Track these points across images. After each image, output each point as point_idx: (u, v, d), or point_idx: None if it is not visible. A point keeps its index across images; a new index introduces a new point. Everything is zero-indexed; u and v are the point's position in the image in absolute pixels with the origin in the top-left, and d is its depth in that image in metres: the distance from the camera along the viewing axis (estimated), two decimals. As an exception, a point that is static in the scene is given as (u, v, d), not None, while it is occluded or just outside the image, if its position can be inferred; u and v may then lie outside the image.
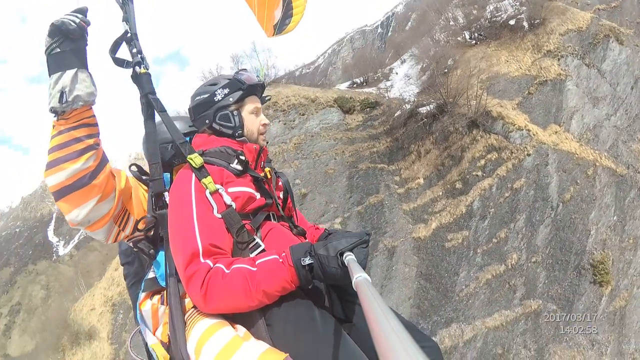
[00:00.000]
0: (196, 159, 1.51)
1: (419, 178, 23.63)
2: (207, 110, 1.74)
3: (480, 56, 27.78)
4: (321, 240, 1.90)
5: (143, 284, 1.71)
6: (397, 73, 32.99)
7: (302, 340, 1.25)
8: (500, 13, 31.18)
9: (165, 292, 1.59)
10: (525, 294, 17.99)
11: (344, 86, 36.28)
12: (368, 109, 28.14)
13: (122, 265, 2.06)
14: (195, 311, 1.42)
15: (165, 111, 1.65)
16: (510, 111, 23.26)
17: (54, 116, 1.52)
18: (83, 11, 1.53)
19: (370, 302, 0.71)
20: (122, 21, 1.67)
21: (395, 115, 26.61)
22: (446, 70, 26.29)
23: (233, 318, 1.38)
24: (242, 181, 1.62)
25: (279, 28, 3.62)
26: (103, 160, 1.61)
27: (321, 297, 1.49)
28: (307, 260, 1.30)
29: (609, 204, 20.40)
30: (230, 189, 1.54)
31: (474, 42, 29.98)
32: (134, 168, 1.91)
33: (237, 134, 1.74)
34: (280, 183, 1.91)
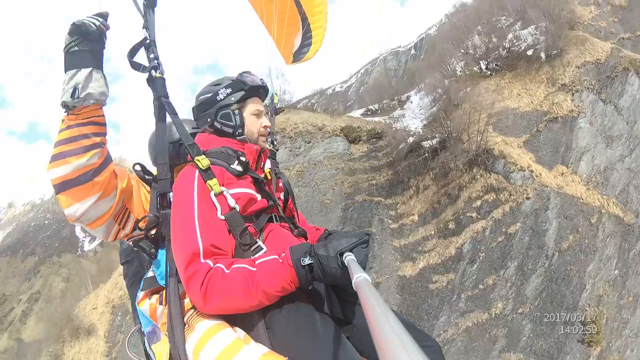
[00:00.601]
0: (203, 161, 1.53)
1: (413, 214, 23.47)
2: (209, 109, 1.78)
3: (492, 88, 27.13)
4: (321, 240, 1.90)
5: (142, 282, 1.73)
6: (412, 102, 32.75)
7: (302, 344, 1.25)
8: (519, 42, 30.19)
9: (164, 291, 1.60)
10: (506, 346, 17.48)
11: (358, 113, 36.43)
12: (374, 140, 28.21)
13: (122, 264, 2.05)
14: (194, 312, 1.43)
15: (177, 114, 1.69)
16: (514, 149, 22.60)
17: (65, 111, 1.56)
18: (104, 15, 1.61)
19: (370, 302, 0.71)
20: (143, 28, 1.73)
21: (400, 147, 26.52)
22: (456, 103, 25.88)
23: (233, 320, 1.38)
24: (243, 182, 1.64)
25: (298, 56, 3.70)
26: (107, 159, 1.64)
27: (321, 298, 1.49)
28: (307, 261, 1.30)
29: (611, 256, 19.33)
30: (231, 190, 1.55)
31: (489, 72, 29.22)
32: (137, 167, 1.91)
33: (237, 133, 1.77)
34: (280, 184, 1.94)
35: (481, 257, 20.00)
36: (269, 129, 1.92)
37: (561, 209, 20.29)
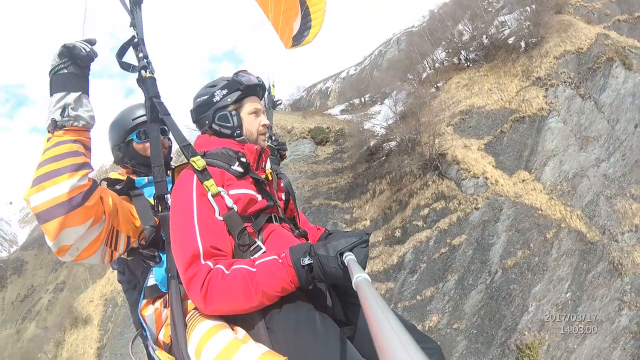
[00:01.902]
0: (198, 162, 1.52)
1: (366, 219, 22.53)
2: (206, 112, 1.77)
3: (464, 83, 25.18)
4: (321, 240, 1.91)
5: (143, 292, 1.75)
6: (391, 97, 31.24)
7: (302, 344, 1.25)
8: (504, 29, 27.68)
9: (167, 295, 1.61)
10: (434, 367, 16.72)
11: (338, 109, 35.15)
12: (340, 141, 27.21)
13: (114, 269, 2.04)
14: (196, 313, 1.44)
15: (169, 114, 1.69)
16: (472, 153, 20.98)
17: (51, 131, 1.49)
18: (92, 42, 1.59)
19: (371, 302, 0.71)
20: (130, 27, 1.69)
21: (363, 149, 25.43)
22: (425, 100, 24.30)
23: (233, 320, 1.39)
24: (243, 183, 1.64)
25: (297, 40, 3.68)
26: (95, 183, 1.59)
27: (322, 299, 1.50)
28: (307, 261, 1.30)
29: (564, 277, 17.58)
30: (232, 191, 1.55)
31: (467, 64, 27.07)
32: (104, 183, 1.85)
33: (235, 134, 1.76)
34: (282, 184, 1.94)
35: (422, 268, 18.99)
36: (268, 127, 1.90)
37: (514, 221, 18.73)
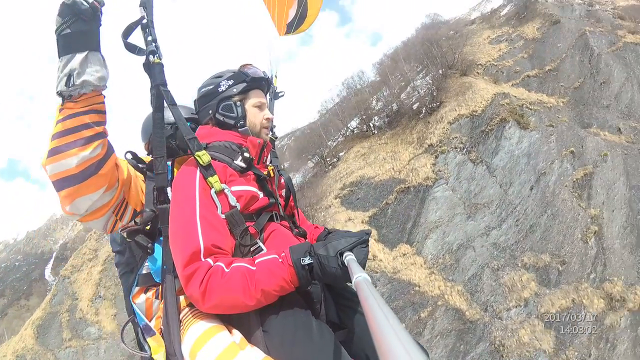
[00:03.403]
0: (204, 157, 1.49)
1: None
2: (210, 101, 1.76)
3: (363, 152, 25.28)
4: (320, 239, 1.90)
5: (137, 278, 1.72)
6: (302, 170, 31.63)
7: (298, 349, 1.24)
8: (414, 94, 27.94)
9: (160, 287, 1.58)
10: None
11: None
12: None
13: (114, 252, 2.00)
14: (191, 310, 1.42)
15: (176, 104, 1.60)
16: (354, 227, 20.54)
17: (61, 100, 1.43)
18: None
19: (371, 302, 0.71)
20: (140, 6, 1.57)
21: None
22: (326, 170, 24.50)
23: (230, 322, 1.38)
24: (245, 179, 1.62)
25: (292, 27, 3.67)
26: (109, 150, 1.55)
27: (318, 300, 1.48)
28: (307, 260, 1.30)
29: (431, 362, 16.35)
30: (234, 188, 1.53)
31: (373, 131, 27.23)
32: (129, 155, 1.84)
33: (239, 125, 1.74)
34: (282, 181, 1.92)
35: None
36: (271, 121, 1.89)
37: (387, 300, 17.78)
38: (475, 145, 21.64)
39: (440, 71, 25.71)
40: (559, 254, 18.81)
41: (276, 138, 2.38)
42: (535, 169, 20.79)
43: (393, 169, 22.55)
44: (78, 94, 1.41)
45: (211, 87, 1.76)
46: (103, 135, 1.49)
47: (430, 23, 32.02)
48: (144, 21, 1.55)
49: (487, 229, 19.64)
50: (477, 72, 26.47)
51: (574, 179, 20.72)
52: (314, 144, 28.30)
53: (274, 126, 2.44)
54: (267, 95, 2.48)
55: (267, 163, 1.84)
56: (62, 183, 1.43)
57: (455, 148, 21.73)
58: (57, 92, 1.40)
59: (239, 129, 1.74)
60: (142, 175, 1.84)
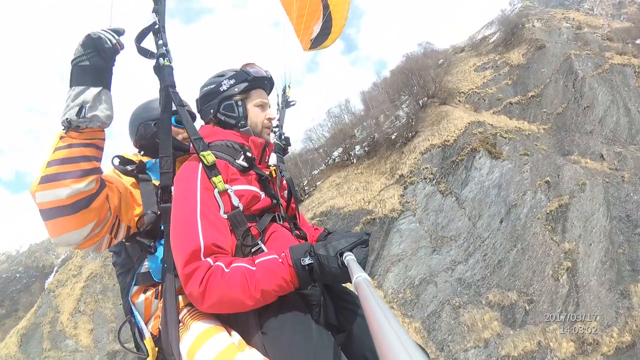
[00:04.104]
0: (208, 157, 1.49)
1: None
2: (212, 100, 1.76)
3: (337, 182, 25.38)
4: (320, 239, 1.91)
5: (135, 277, 1.69)
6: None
7: (296, 351, 1.23)
8: (396, 123, 27.90)
9: (159, 286, 1.57)
10: None
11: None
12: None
13: (110, 252, 1.96)
14: (190, 310, 1.41)
15: (184, 105, 1.61)
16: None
17: (64, 128, 1.41)
18: (120, 32, 1.49)
19: (371, 302, 0.71)
20: (152, 12, 1.61)
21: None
22: (302, 199, 24.80)
23: (228, 322, 1.38)
24: (247, 179, 1.62)
25: (316, 43, 3.73)
26: (102, 186, 1.53)
27: (317, 303, 1.47)
28: (307, 260, 1.29)
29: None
30: (235, 187, 1.52)
31: (352, 161, 27.32)
32: (116, 161, 1.82)
33: (240, 124, 1.74)
34: (284, 182, 1.92)
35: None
36: (274, 121, 1.91)
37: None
38: (445, 176, 21.26)
39: (421, 101, 25.59)
40: (527, 291, 17.95)
41: (289, 145, 2.41)
42: (505, 201, 20.11)
43: (363, 199, 22.46)
44: (86, 126, 1.42)
45: (213, 86, 1.77)
46: (99, 171, 1.49)
47: (420, 52, 31.97)
48: (156, 26, 1.60)
49: (452, 264, 19.08)
50: (459, 101, 26.13)
51: (548, 211, 19.85)
52: (294, 175, 28.74)
53: (284, 132, 2.49)
54: (279, 103, 2.68)
55: (269, 163, 1.84)
56: (50, 213, 1.39)
57: (425, 179, 21.42)
58: (65, 120, 1.39)
59: (240, 129, 1.74)
60: (132, 180, 1.78)
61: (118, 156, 1.84)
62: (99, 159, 1.50)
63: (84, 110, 1.39)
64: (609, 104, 23.31)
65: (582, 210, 19.91)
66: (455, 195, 20.69)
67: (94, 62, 1.40)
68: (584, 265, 18.82)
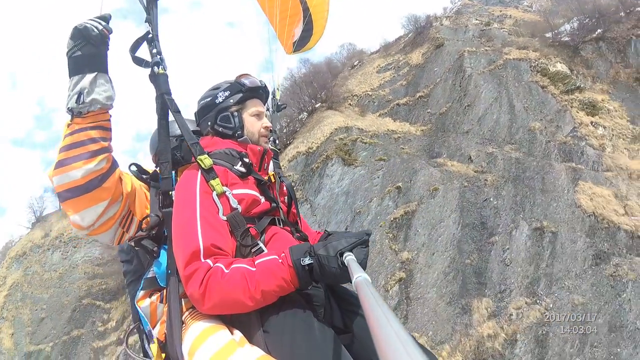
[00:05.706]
0: (205, 160, 1.52)
1: (113, 320, 24.08)
2: (209, 113, 1.82)
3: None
4: (321, 240, 1.79)
5: (142, 282, 1.71)
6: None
7: (298, 349, 1.23)
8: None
9: (164, 291, 1.58)
10: None
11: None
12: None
13: (122, 262, 2.02)
14: (192, 311, 1.43)
15: (180, 112, 1.63)
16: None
17: (70, 117, 1.52)
18: (106, 19, 1.54)
19: (371, 302, 0.71)
20: (145, 22, 1.65)
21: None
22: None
23: (230, 322, 1.38)
24: (246, 184, 1.64)
25: (298, 45, 3.77)
26: (114, 165, 1.61)
27: (322, 304, 1.48)
28: (307, 261, 1.30)
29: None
30: (235, 191, 1.55)
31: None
32: (133, 168, 1.88)
33: (237, 135, 1.79)
34: (284, 188, 1.94)
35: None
36: (270, 130, 1.94)
37: None
38: (303, 184, 21.15)
39: (310, 107, 25.53)
40: (351, 302, 17.55)
41: (279, 150, 2.39)
42: (352, 208, 19.68)
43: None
44: (87, 111, 1.50)
45: (209, 99, 1.82)
46: (108, 150, 1.57)
47: (323, 62, 31.50)
48: (150, 36, 1.64)
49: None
50: (350, 104, 25.68)
51: (392, 218, 19.16)
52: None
53: (277, 137, 2.54)
54: (270, 107, 2.72)
55: (269, 170, 1.87)
56: (67, 194, 1.50)
57: (284, 187, 21.49)
58: (68, 109, 1.50)
59: (238, 139, 1.79)
60: (146, 186, 1.88)
61: (135, 164, 1.90)
62: (106, 139, 1.58)
63: (82, 97, 1.47)
64: (492, 101, 21.77)
65: (429, 218, 18.92)
66: (310, 203, 20.51)
67: (86, 51, 1.49)
68: (422, 276, 17.84)
